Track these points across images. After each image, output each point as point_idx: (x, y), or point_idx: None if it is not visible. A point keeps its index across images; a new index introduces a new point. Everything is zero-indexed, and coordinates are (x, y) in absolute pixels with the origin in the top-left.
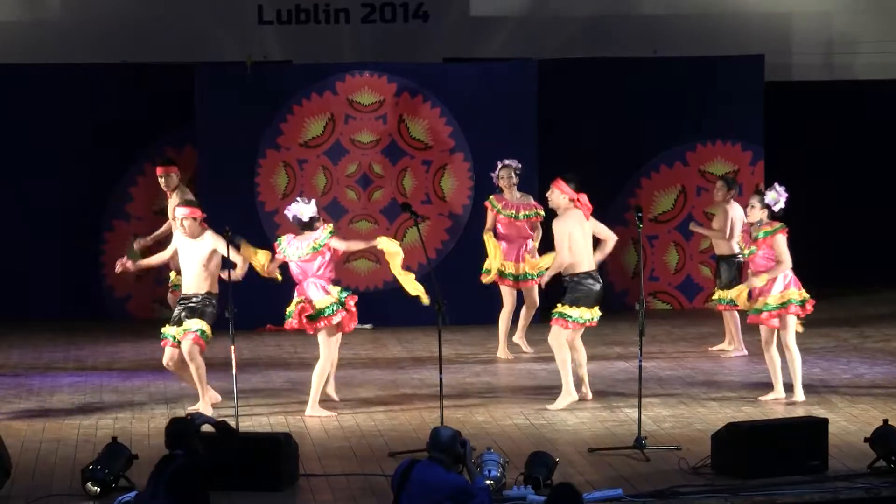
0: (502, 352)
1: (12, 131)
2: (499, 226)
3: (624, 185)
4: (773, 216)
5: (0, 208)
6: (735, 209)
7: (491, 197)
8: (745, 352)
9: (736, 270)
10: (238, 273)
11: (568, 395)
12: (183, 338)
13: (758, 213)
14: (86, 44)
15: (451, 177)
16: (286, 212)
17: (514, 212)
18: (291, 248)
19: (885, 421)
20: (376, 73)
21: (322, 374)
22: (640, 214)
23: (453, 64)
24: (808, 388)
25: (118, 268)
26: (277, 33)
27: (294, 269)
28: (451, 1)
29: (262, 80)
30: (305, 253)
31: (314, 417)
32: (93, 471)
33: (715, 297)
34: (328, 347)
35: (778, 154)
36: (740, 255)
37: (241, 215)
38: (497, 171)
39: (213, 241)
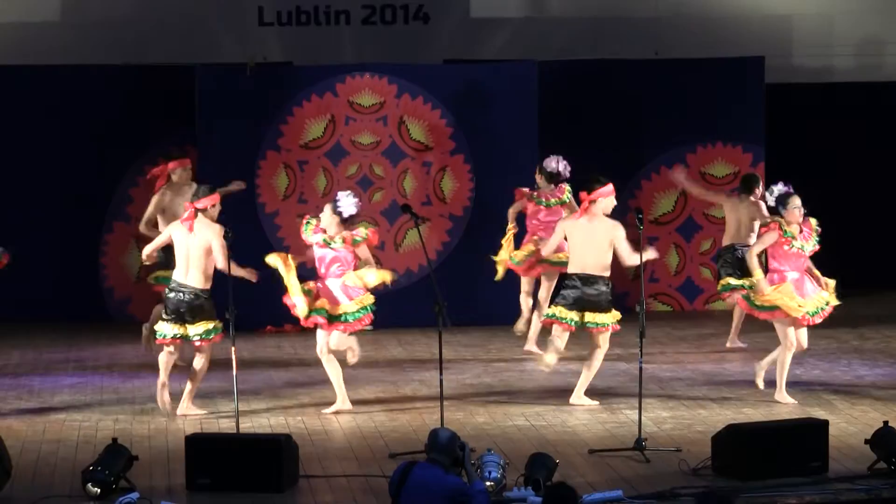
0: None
1: (13, 132)
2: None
3: (624, 187)
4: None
5: (0, 209)
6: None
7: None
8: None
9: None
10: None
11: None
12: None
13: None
14: (86, 45)
15: (452, 178)
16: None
17: (547, 200)
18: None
19: (886, 423)
20: (377, 74)
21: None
22: (640, 216)
23: (454, 65)
24: (809, 389)
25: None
26: (278, 35)
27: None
28: (452, 2)
29: (263, 82)
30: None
31: (321, 417)
32: (93, 472)
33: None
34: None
35: (778, 156)
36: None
37: (241, 216)
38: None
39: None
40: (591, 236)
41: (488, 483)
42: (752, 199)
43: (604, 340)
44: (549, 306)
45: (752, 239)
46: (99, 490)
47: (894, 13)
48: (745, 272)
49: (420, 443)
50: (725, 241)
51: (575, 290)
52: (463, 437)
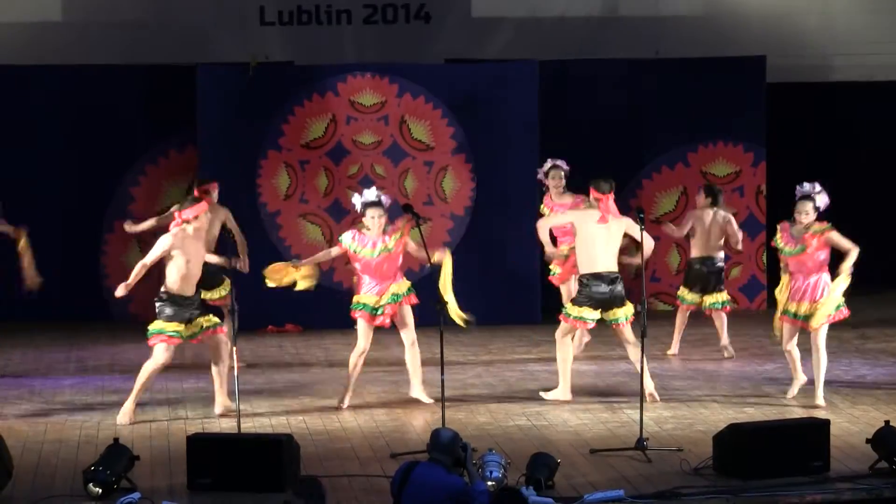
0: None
1: (14, 132)
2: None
3: (625, 186)
4: (819, 216)
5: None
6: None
7: (542, 206)
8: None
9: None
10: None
11: (564, 393)
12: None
13: (812, 216)
14: (88, 45)
15: (453, 178)
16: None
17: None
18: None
19: (887, 422)
20: (378, 74)
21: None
22: (641, 216)
23: (455, 65)
24: (810, 389)
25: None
26: (279, 34)
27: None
28: (453, 2)
29: (264, 81)
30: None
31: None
32: (95, 472)
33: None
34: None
35: (779, 155)
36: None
37: (242, 216)
38: (546, 170)
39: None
40: (606, 235)
41: (490, 483)
42: (722, 211)
43: (629, 333)
44: (574, 306)
45: (721, 252)
46: (100, 490)
47: (894, 13)
48: (708, 287)
49: (421, 443)
50: (694, 253)
51: (602, 287)
52: (464, 437)
